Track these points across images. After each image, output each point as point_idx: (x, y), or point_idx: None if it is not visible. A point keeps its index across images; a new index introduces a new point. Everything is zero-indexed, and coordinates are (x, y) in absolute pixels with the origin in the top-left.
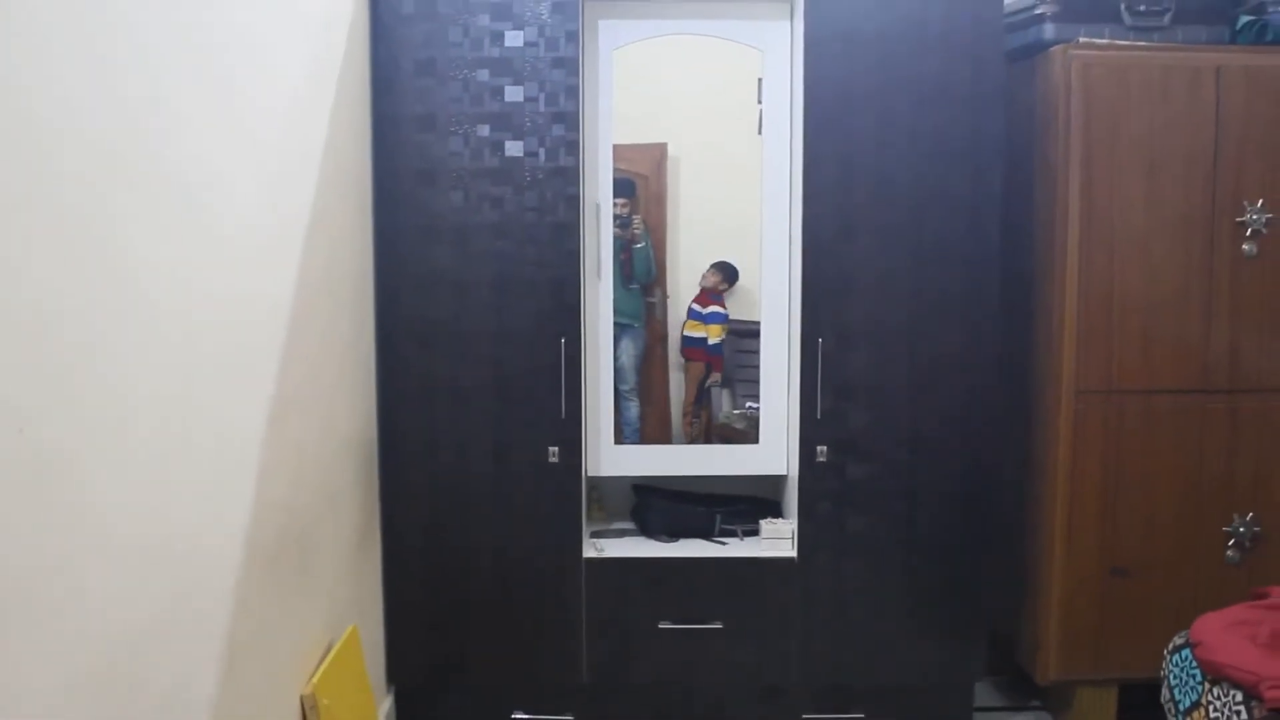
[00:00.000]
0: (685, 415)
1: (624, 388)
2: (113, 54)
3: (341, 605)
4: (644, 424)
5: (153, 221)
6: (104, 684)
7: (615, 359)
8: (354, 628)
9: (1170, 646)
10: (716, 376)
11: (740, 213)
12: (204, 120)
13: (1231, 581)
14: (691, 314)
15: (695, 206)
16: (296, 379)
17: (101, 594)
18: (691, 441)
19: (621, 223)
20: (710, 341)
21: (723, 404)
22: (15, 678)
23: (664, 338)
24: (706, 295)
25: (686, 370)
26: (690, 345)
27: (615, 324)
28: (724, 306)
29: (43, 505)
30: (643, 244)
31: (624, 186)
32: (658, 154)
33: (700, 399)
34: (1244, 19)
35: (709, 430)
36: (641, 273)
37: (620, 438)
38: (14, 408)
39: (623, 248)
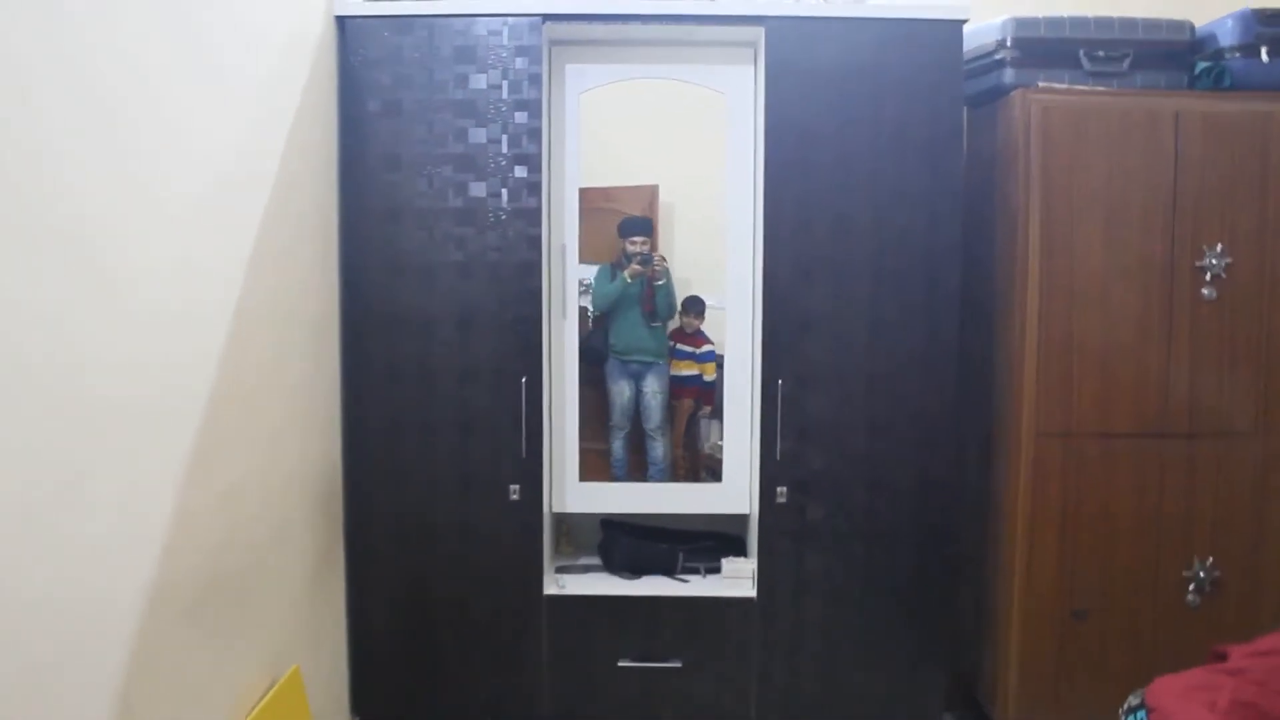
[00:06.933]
0: (676, 448)
1: (649, 427)
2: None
3: (286, 643)
4: (666, 461)
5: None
6: None
7: (640, 397)
8: (296, 668)
9: (1125, 707)
10: (708, 409)
11: (721, 252)
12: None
13: (1191, 625)
14: (680, 354)
15: (686, 246)
16: (230, 422)
17: None
18: (679, 474)
19: (643, 259)
20: (706, 379)
21: (709, 434)
22: None
23: None
24: (697, 335)
25: (677, 407)
26: (681, 384)
27: (639, 362)
28: (712, 343)
29: None
30: (664, 280)
31: (642, 225)
32: (649, 195)
33: (689, 432)
34: (1201, 65)
35: (696, 462)
36: (664, 310)
37: (644, 477)
38: None
39: (644, 285)
